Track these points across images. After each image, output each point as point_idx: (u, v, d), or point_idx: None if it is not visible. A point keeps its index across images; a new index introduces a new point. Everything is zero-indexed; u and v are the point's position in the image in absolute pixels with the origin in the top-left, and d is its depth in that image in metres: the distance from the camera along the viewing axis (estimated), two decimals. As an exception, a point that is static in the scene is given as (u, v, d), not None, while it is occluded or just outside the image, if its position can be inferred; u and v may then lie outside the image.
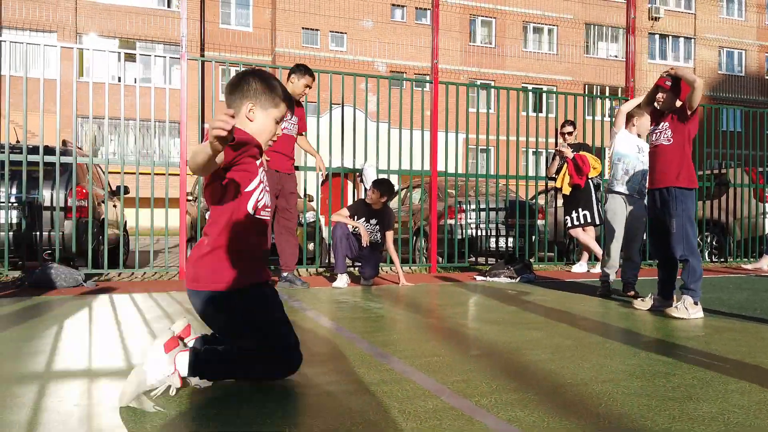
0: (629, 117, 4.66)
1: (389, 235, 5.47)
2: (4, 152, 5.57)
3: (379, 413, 1.82)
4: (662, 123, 3.85)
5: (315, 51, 24.92)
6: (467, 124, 7.09)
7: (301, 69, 5.23)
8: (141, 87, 5.51)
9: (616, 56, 29.57)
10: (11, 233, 5.78)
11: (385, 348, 2.73)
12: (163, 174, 6.27)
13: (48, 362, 2.43)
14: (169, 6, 23.65)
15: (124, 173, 6.09)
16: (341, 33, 25.70)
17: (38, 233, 5.83)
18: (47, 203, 6.01)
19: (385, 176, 6.38)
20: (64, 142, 6.53)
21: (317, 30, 25.29)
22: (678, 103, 3.77)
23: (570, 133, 7.03)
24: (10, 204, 5.76)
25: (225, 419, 1.75)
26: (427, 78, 23.86)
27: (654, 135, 3.89)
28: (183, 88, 6.10)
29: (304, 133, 5.59)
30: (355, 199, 6.84)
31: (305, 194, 6.51)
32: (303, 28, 24.96)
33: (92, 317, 3.56)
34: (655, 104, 3.92)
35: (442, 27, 7.13)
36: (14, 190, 6.02)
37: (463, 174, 7.23)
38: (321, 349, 2.76)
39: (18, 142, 6.69)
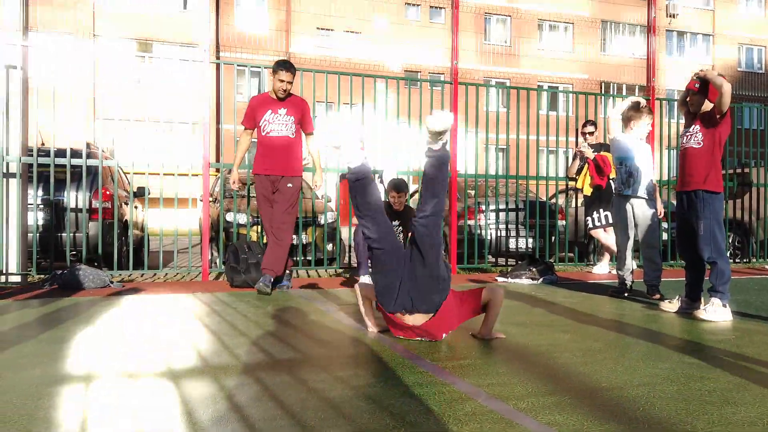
0: (628, 120, 4.63)
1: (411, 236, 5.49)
2: (32, 155, 5.67)
3: (419, 415, 1.84)
4: (693, 126, 3.84)
5: (329, 51, 24.99)
6: (486, 124, 7.08)
7: (275, 64, 4.96)
8: (159, 88, 5.58)
9: (633, 54, 29.28)
10: (37, 235, 5.89)
11: (415, 350, 2.75)
12: (185, 175, 6.33)
13: (89, 363, 2.49)
14: (185, 8, 23.86)
15: (148, 174, 6.18)
16: (355, 33, 25.74)
17: (68, 234, 5.91)
18: (72, 205, 6.11)
19: (403, 177, 6.40)
20: (88, 145, 6.60)
21: (331, 30, 25.36)
22: (709, 106, 3.75)
23: (591, 133, 7.00)
24: (37, 206, 5.87)
25: (261, 418, 1.78)
26: (442, 78, 23.82)
27: (685, 138, 3.88)
28: (206, 92, 6.17)
29: (311, 133, 5.22)
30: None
31: (325, 194, 6.55)
32: (317, 28, 25.04)
33: (124, 318, 3.63)
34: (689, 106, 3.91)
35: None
36: (40, 192, 6.13)
37: (482, 175, 7.22)
38: (352, 351, 2.80)
39: (43, 144, 6.81)
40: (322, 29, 25.30)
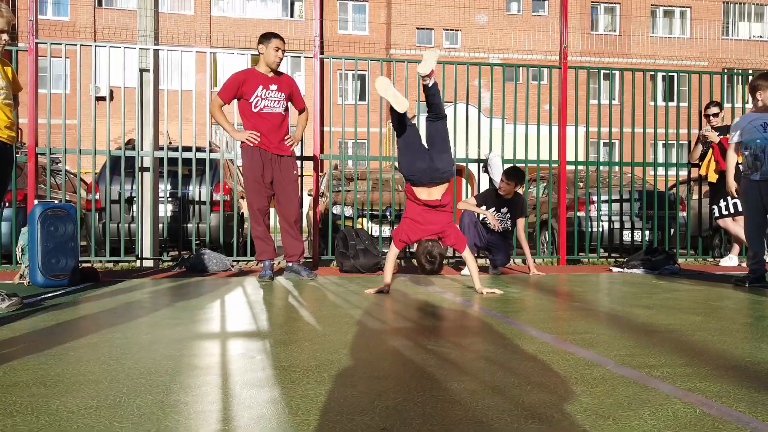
0: (754, 89, 4.23)
1: (520, 223, 5.35)
2: (163, 150, 6.17)
3: (544, 377, 1.80)
4: None
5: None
6: (598, 115, 6.77)
7: (264, 36, 4.76)
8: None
9: (760, 36, 26.73)
10: (164, 224, 6.40)
11: (534, 325, 2.69)
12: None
13: (220, 324, 2.68)
14: (291, 16, 24.98)
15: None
16: (455, 30, 25.62)
17: (194, 225, 6.37)
18: (196, 198, 6.58)
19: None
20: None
21: (431, 29, 25.43)
22: None
23: (716, 115, 6.47)
24: (167, 198, 6.39)
25: (385, 374, 1.82)
26: (544, 71, 23.01)
27: None
28: (316, 87, 6.41)
29: (303, 109, 5.03)
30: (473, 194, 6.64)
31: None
32: (417, 27, 25.22)
33: (247, 293, 3.86)
34: None
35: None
36: (169, 187, 6.66)
37: (594, 162, 6.90)
38: (472, 324, 2.79)
39: (170, 143, 7.39)
40: (421, 28, 25.44)
